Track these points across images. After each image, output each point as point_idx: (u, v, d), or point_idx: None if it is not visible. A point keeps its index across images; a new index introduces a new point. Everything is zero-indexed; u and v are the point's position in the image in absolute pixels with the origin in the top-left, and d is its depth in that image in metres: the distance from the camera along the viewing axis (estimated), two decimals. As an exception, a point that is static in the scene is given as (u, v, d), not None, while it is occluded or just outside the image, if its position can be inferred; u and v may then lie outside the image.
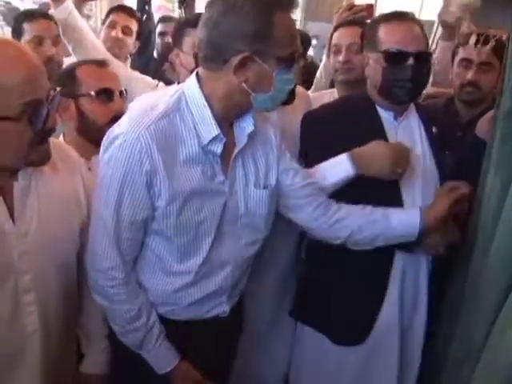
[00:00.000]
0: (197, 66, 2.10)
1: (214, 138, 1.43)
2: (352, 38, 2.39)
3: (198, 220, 1.48)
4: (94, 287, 1.52)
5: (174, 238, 1.48)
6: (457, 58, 2.40)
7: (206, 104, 1.43)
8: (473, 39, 2.27)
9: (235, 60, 1.35)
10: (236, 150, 1.51)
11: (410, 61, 1.72)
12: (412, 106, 1.88)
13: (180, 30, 2.24)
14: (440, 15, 2.64)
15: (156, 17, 3.97)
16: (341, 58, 2.39)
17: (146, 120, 1.39)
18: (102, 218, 1.44)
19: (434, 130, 1.87)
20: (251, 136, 1.53)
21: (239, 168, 1.54)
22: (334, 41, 2.46)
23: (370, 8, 2.69)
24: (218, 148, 1.45)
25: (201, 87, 1.44)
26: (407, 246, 1.72)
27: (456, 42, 2.49)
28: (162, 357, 1.58)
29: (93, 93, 1.85)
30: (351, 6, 2.67)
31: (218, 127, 1.43)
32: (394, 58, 1.73)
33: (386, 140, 1.78)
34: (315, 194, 1.65)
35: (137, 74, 2.76)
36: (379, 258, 1.76)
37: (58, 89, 1.34)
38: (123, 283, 1.49)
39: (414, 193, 1.79)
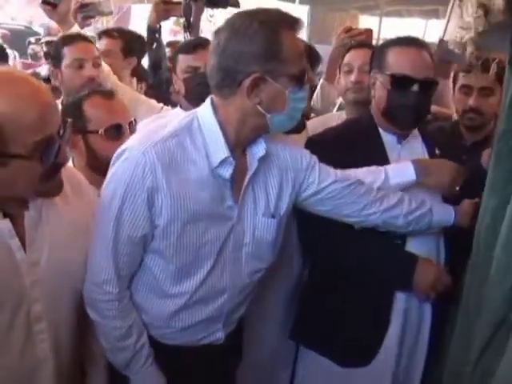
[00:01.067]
0: (186, 91, 2.18)
1: (224, 161, 1.44)
2: (363, 58, 2.43)
3: (200, 243, 1.48)
4: (87, 300, 1.49)
5: (172, 258, 1.48)
6: (457, 85, 2.42)
7: (218, 128, 1.44)
8: (474, 65, 2.30)
9: (247, 82, 1.37)
10: (248, 176, 1.51)
11: (415, 87, 1.76)
12: (416, 130, 1.90)
13: (174, 56, 2.31)
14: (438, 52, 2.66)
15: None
16: (352, 77, 2.44)
17: (154, 138, 1.42)
18: (101, 231, 1.45)
19: (437, 152, 1.89)
20: (264, 161, 1.52)
21: (249, 194, 1.53)
22: (345, 61, 2.51)
23: (368, 32, 2.74)
24: (227, 172, 1.45)
25: (215, 113, 1.45)
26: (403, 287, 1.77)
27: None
28: (148, 381, 1.55)
29: (102, 130, 1.81)
30: (349, 29, 2.72)
31: (229, 151, 1.44)
32: (400, 83, 1.77)
33: (388, 162, 1.80)
34: (356, 188, 1.65)
35: (141, 97, 2.77)
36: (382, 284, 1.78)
37: (69, 120, 1.35)
38: (116, 299, 1.48)
39: None
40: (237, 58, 1.37)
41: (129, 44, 3.12)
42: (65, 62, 2.49)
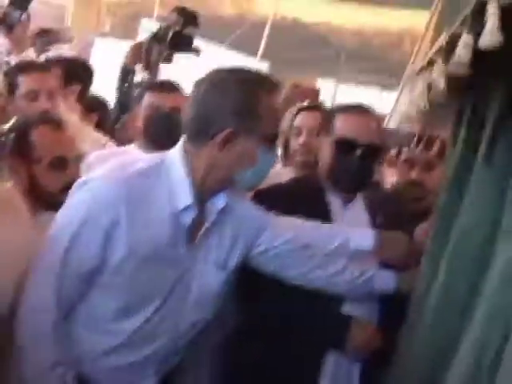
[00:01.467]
0: (145, 128, 2.19)
1: (187, 208, 1.45)
2: (313, 122, 2.48)
3: (149, 284, 1.47)
4: (20, 324, 1.44)
5: (119, 295, 1.46)
6: (400, 158, 2.48)
7: (186, 175, 1.45)
8: (415, 141, 2.39)
9: (220, 136, 1.40)
10: (205, 226, 1.52)
11: (358, 152, 1.80)
12: (360, 194, 1.93)
13: (141, 92, 2.33)
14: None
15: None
16: (301, 140, 2.47)
17: (121, 173, 1.43)
18: (48, 257, 1.43)
19: (379, 220, 1.93)
20: (222, 213, 1.53)
21: (204, 244, 1.54)
22: (295, 123, 2.54)
23: (314, 92, 2.79)
24: (188, 218, 1.46)
25: (184, 159, 1.47)
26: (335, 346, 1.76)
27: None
28: None
29: (46, 160, 1.78)
30: (296, 86, 2.78)
31: (193, 198, 1.45)
32: (343, 147, 1.81)
33: (331, 222, 1.82)
34: (305, 250, 1.68)
35: (86, 129, 2.71)
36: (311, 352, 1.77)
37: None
38: (51, 327, 1.44)
39: None
40: (213, 112, 1.41)
41: (70, 71, 3.01)
42: (19, 92, 2.42)
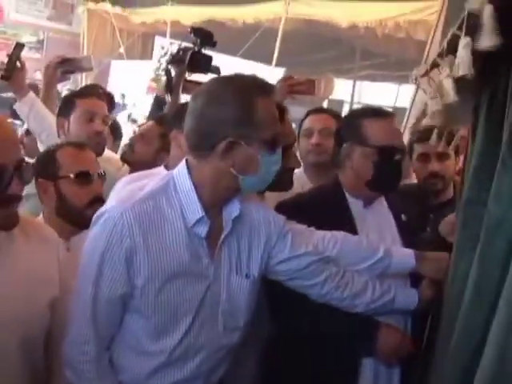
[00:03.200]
0: None
1: (199, 221, 1.48)
2: (323, 123, 2.53)
3: (178, 301, 1.49)
4: (66, 360, 1.50)
5: (151, 316, 1.49)
6: (414, 154, 2.49)
7: (193, 188, 1.48)
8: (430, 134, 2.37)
9: (221, 146, 1.42)
10: (223, 235, 1.54)
11: (398, 156, 1.84)
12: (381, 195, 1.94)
13: (183, 111, 2.35)
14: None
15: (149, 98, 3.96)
16: (313, 140, 2.50)
17: (131, 200, 1.46)
18: (81, 291, 1.47)
19: (403, 217, 1.94)
20: (238, 221, 1.56)
21: (225, 253, 1.56)
22: (305, 125, 2.58)
23: (310, 82, 2.73)
24: (202, 231, 1.49)
25: (190, 173, 1.50)
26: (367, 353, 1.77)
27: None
28: None
29: (72, 175, 1.90)
30: (289, 78, 2.74)
31: (204, 210, 1.48)
32: (387, 154, 1.83)
33: (355, 227, 1.83)
34: (321, 269, 1.67)
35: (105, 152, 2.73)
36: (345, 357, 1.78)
37: (31, 162, 1.38)
38: (94, 360, 1.48)
39: None
40: (212, 123, 1.43)
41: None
42: (75, 114, 2.51)
